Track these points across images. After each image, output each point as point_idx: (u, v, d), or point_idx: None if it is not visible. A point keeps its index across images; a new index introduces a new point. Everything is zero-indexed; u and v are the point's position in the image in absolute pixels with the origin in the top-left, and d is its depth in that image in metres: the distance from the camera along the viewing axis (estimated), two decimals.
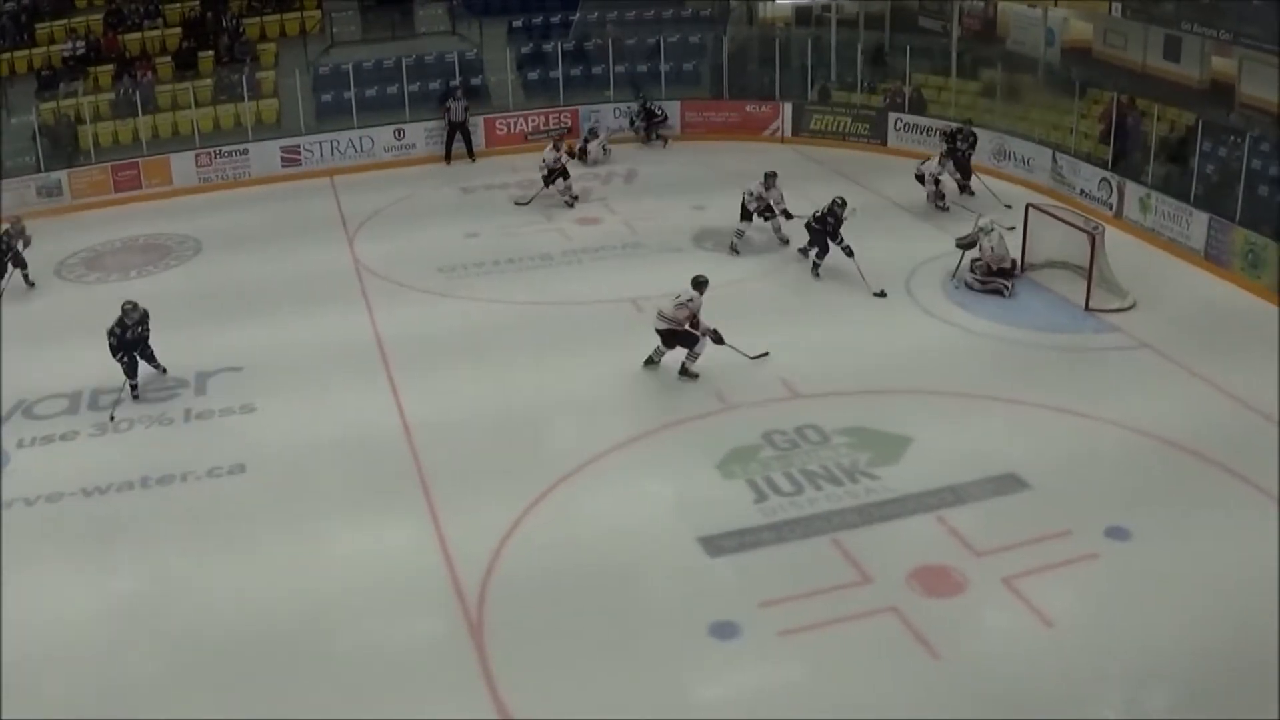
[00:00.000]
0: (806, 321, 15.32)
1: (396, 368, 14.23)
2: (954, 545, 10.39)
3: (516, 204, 20.53)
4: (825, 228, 16.25)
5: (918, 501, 11.05)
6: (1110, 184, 18.68)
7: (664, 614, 9.81)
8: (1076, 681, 8.81)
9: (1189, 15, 18.60)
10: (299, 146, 22.83)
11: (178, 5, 25.01)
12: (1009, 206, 18.12)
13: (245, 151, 22.53)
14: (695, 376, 13.62)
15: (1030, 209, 16.71)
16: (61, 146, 21.85)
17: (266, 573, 10.41)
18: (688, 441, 12.41)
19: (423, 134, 23.49)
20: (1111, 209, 18.52)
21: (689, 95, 24.84)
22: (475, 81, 24.46)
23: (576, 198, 20.36)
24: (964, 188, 19.79)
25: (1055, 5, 22.05)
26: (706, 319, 13.53)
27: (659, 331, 13.62)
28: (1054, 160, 19.96)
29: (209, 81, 23.49)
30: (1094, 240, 15.34)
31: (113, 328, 13.49)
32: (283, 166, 22.74)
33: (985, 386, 13.32)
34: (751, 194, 17.65)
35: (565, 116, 24.19)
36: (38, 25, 24.17)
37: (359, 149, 23.16)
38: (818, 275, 16.55)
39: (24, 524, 11.24)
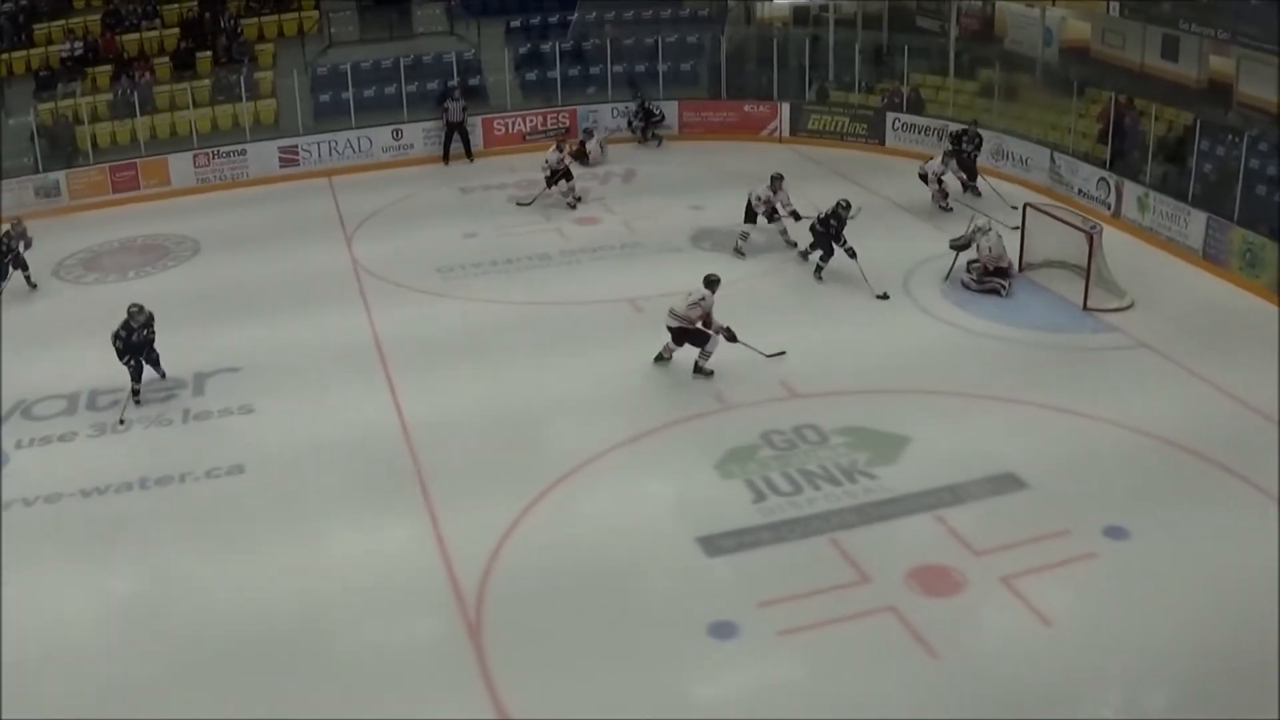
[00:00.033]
0: (805, 321, 15.31)
1: (395, 368, 14.23)
2: (953, 545, 10.39)
3: (518, 205, 20.46)
4: (829, 230, 16.22)
5: (916, 501, 11.05)
6: (1108, 183, 18.68)
7: (663, 614, 9.80)
8: (1075, 681, 8.81)
9: (1187, 15, 18.59)
10: (297, 147, 22.81)
11: (176, 6, 25.00)
12: (1015, 208, 17.90)
13: (243, 152, 22.51)
14: (710, 374, 13.63)
15: (1028, 208, 16.74)
16: (59, 147, 21.83)
17: (266, 573, 10.41)
18: (686, 441, 12.41)
19: (421, 134, 23.47)
20: (1110, 208, 18.52)
21: (687, 95, 24.84)
22: (473, 82, 24.44)
23: (580, 199, 20.28)
24: (970, 188, 19.77)
25: (1053, 5, 22.05)
26: (718, 318, 13.55)
27: (670, 329, 13.62)
28: (1052, 160, 19.95)
29: (207, 82, 23.47)
30: (1092, 240, 15.34)
31: (118, 330, 13.31)
32: (281, 167, 22.71)
33: (984, 386, 13.32)
34: (759, 197, 17.51)
35: (563, 117, 24.21)
36: (36, 26, 24.16)
37: (357, 149, 23.14)
38: (820, 278, 16.52)
39: (23, 524, 11.24)
